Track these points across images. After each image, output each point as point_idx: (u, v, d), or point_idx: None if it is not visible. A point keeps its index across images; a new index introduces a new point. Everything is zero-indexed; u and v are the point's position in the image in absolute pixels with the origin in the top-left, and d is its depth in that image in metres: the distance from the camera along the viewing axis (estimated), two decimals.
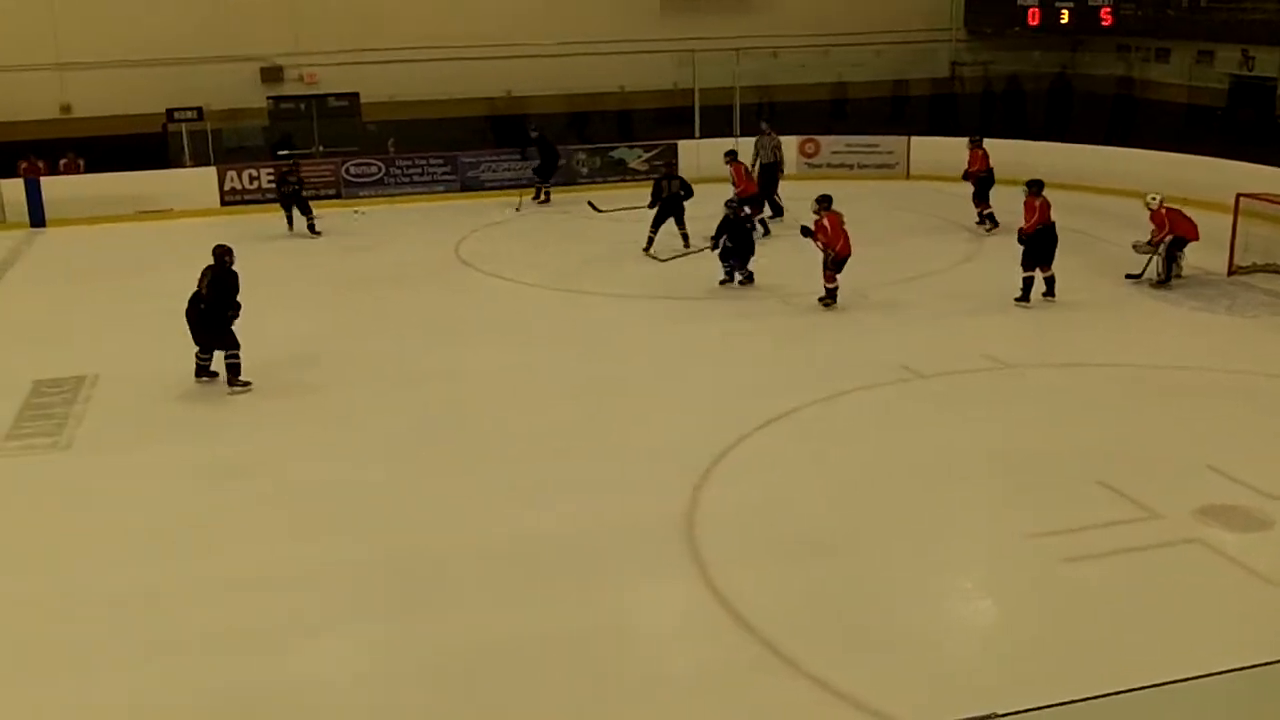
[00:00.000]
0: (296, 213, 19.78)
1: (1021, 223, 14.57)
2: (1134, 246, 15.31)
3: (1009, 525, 8.97)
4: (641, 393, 12.02)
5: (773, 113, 23.80)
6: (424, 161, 23.11)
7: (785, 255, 16.23)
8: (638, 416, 11.34)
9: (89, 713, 6.99)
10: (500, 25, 24.43)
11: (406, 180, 23.06)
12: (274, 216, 19.94)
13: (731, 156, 18.27)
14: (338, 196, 22.55)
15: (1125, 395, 11.63)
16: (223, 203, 22.06)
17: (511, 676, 7.15)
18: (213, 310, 11.83)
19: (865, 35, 25.58)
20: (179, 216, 20.93)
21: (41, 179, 21.57)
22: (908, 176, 22.87)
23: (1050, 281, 14.45)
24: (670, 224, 17.39)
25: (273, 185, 21.34)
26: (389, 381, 12.38)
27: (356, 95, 23.83)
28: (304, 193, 20.11)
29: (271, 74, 24.27)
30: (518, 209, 21.42)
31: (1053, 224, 14.33)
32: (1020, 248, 14.52)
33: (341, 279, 16.82)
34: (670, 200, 17.39)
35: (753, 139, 20.62)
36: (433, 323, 14.57)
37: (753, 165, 19.59)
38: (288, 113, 23.73)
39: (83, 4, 23.11)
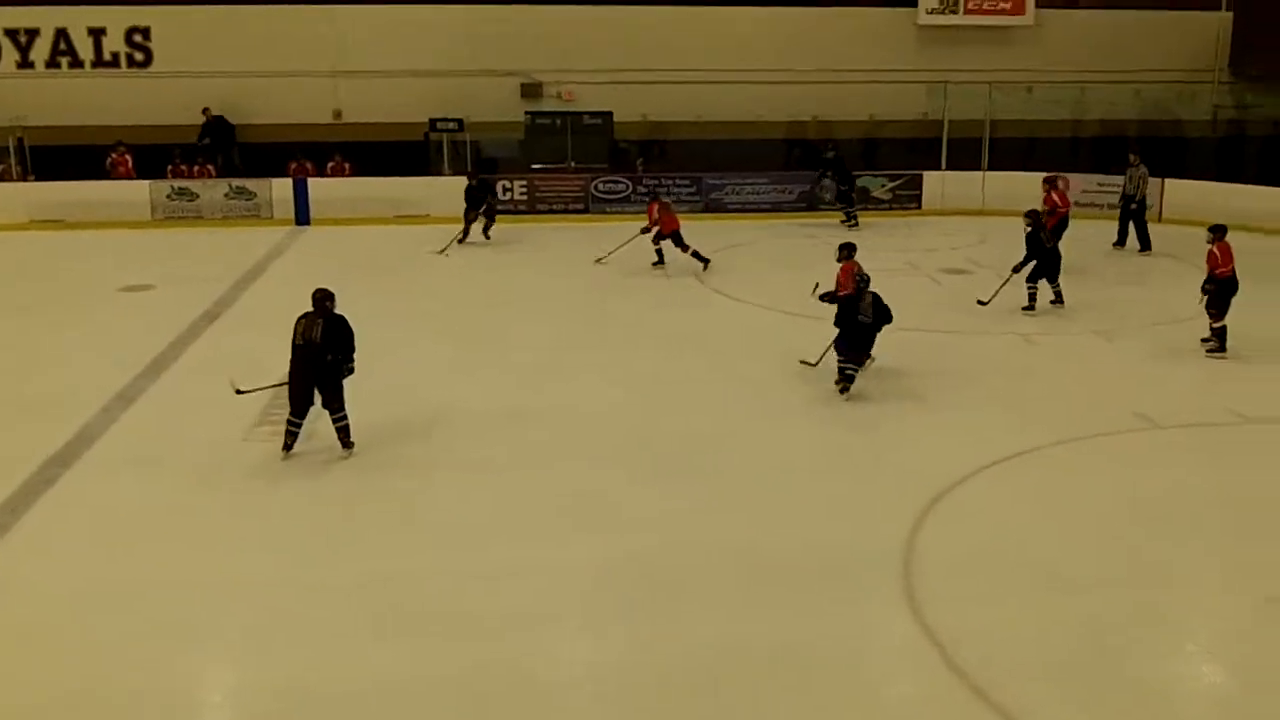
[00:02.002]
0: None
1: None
2: None
3: (1248, 586, 8.46)
4: (875, 419, 11.86)
5: (1032, 148, 23.39)
6: (670, 181, 23.46)
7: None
8: (871, 441, 11.29)
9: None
10: (752, 51, 24.68)
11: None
12: (527, 226, 20.64)
13: (1050, 183, 18.23)
14: (585, 211, 23.15)
15: None
16: None
17: (718, 686, 7.20)
18: (334, 363, 10.42)
19: (1125, 74, 24.68)
20: (435, 221, 21.74)
21: (309, 179, 22.92)
22: (1159, 219, 21.84)
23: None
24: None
25: (525, 197, 22.32)
26: (624, 387, 12.74)
27: (610, 114, 24.41)
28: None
29: (531, 90, 25.08)
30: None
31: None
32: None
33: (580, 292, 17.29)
34: None
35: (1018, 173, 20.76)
36: (663, 337, 14.82)
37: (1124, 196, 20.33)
38: (543, 128, 24.49)
39: (362, 17, 24.41)
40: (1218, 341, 13.70)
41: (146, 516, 9.51)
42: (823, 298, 12.94)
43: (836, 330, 12.45)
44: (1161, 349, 14.08)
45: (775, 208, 23.50)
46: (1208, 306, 13.69)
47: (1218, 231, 13.77)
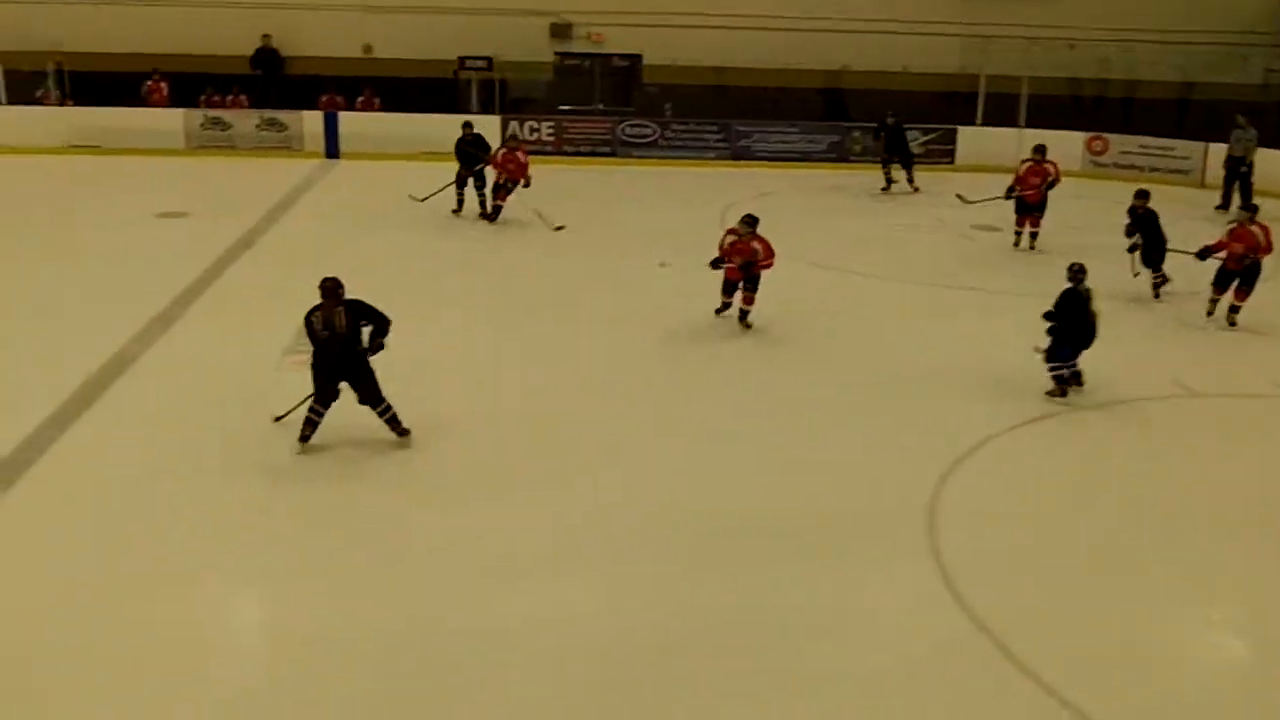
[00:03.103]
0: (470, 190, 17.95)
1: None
2: None
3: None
4: (904, 376, 11.70)
5: (1073, 105, 23.24)
6: (699, 127, 23.32)
7: None
8: (899, 397, 11.16)
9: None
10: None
11: (680, 145, 23.34)
12: (554, 168, 20.40)
13: (1041, 152, 17.02)
14: (612, 155, 23.05)
15: None
16: None
17: (743, 641, 7.22)
18: (364, 353, 9.39)
19: (1172, 34, 24.31)
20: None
21: (339, 113, 22.87)
22: (1202, 184, 21.65)
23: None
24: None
25: (552, 138, 22.07)
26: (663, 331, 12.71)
27: (639, 57, 24.24)
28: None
29: (560, 30, 24.88)
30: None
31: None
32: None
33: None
34: None
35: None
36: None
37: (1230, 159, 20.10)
38: (572, 69, 24.36)
39: None
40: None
41: (176, 446, 9.57)
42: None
43: None
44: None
45: (804, 157, 23.36)
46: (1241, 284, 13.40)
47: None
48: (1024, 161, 17.05)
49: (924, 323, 13.46)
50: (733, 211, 18.58)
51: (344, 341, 9.27)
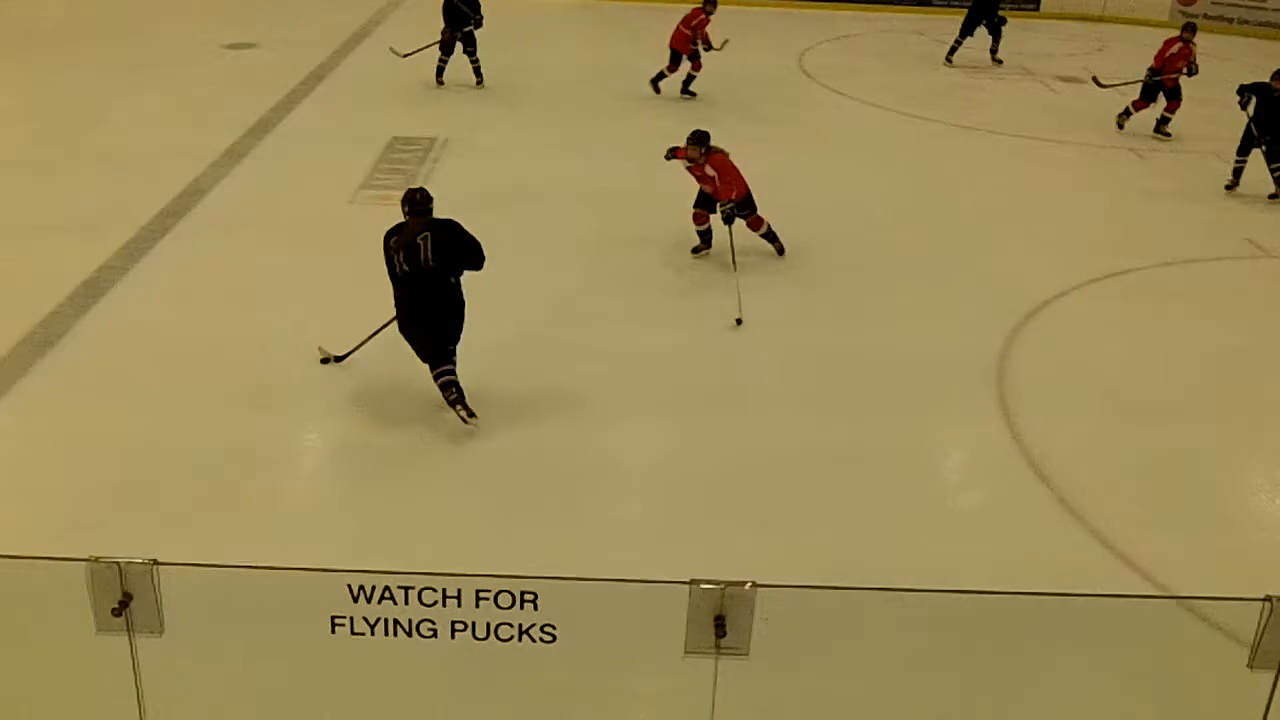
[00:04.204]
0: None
1: None
2: None
3: None
4: (977, 227, 11.62)
5: None
6: None
7: None
8: (969, 249, 11.04)
9: None
10: None
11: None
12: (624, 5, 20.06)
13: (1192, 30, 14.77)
14: None
15: None
16: None
17: (802, 480, 7.28)
18: (453, 291, 7.37)
19: None
20: None
21: None
22: None
23: None
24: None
25: None
26: None
27: None
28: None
29: None
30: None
31: None
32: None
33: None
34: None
35: None
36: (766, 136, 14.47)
37: None
38: None
39: None
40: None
41: (250, 275, 9.72)
42: None
43: None
44: None
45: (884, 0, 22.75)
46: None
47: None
48: (1170, 41, 14.54)
49: (997, 175, 13.27)
50: (808, 58, 18.37)
51: (433, 277, 7.25)
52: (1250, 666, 3.66)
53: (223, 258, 10.03)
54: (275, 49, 17.32)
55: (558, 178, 12.26)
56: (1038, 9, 22.72)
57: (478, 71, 15.62)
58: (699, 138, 9.82)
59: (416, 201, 7.28)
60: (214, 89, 15.16)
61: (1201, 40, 14.63)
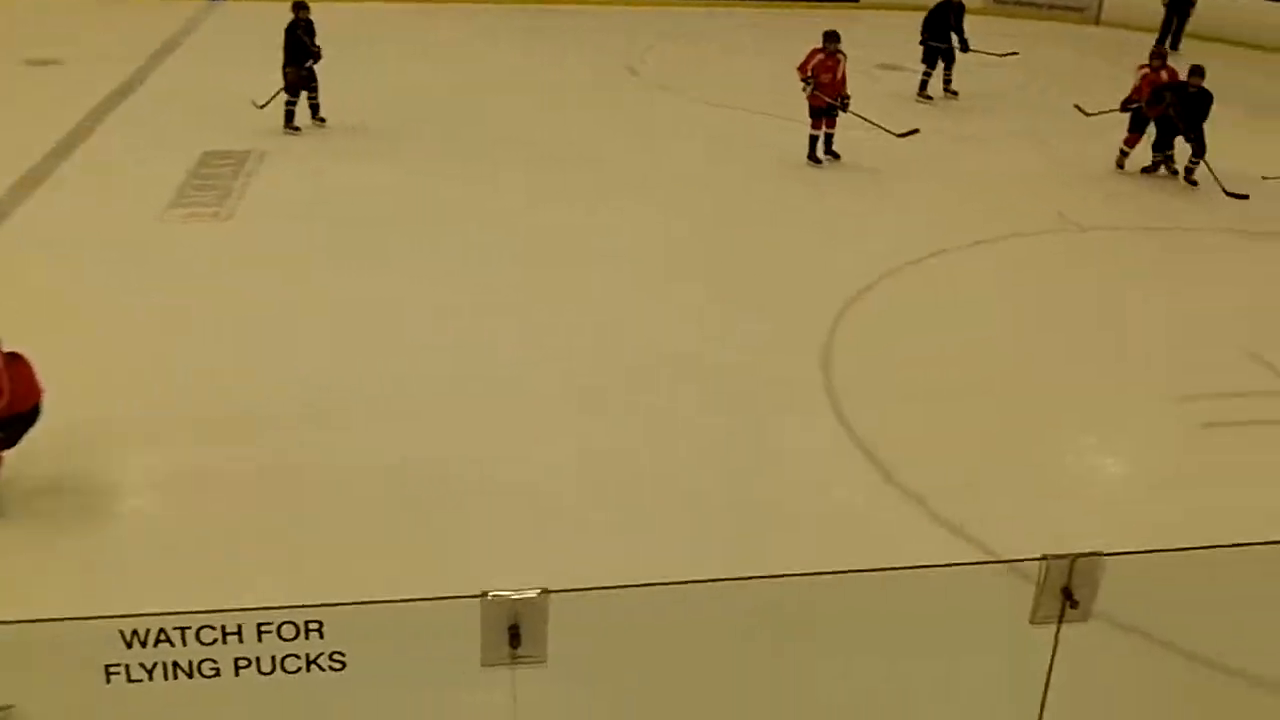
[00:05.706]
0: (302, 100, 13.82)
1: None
2: None
3: (1151, 386, 8.77)
4: (796, 221, 11.87)
5: None
6: None
7: None
8: (790, 243, 11.25)
9: None
10: None
11: None
12: None
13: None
14: None
15: None
16: None
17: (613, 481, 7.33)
18: None
19: None
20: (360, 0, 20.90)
21: None
22: (1097, 22, 21.63)
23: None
24: None
25: None
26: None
27: None
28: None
29: None
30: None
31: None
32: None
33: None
34: None
35: None
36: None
37: None
38: None
39: None
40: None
41: (49, 302, 9.24)
42: None
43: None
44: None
45: None
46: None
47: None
48: (1143, 67, 13.80)
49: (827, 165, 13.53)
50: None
51: None
52: (1031, 621, 3.76)
53: (22, 287, 9.49)
54: (80, 64, 16.58)
55: (372, 184, 12.15)
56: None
57: (316, 108, 13.89)
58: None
59: None
60: (14, 109, 14.47)
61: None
